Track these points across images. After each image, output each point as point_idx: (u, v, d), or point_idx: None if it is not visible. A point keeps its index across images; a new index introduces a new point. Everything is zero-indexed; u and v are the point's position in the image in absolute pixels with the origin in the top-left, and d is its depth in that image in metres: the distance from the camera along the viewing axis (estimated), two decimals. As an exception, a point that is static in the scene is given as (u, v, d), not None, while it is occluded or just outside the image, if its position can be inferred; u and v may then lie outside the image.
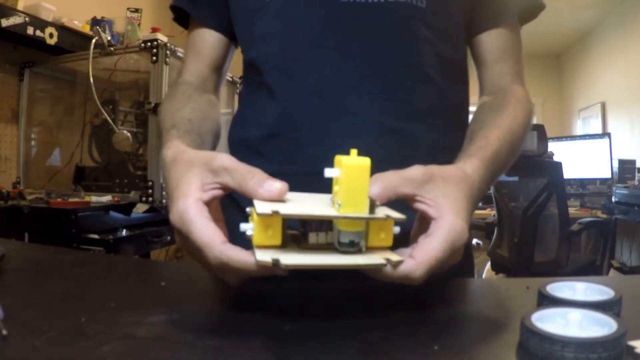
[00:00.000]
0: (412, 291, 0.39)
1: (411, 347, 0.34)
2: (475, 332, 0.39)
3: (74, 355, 0.31)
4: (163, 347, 0.33)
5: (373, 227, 0.38)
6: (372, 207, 0.37)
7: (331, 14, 0.60)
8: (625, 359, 0.30)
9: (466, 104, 0.70)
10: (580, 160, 3.51)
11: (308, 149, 0.61)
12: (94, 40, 1.86)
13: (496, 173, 0.54)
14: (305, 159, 0.61)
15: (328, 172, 0.37)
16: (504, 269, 2.57)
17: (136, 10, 2.27)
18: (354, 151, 0.37)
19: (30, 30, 1.83)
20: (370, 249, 0.38)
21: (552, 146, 3.42)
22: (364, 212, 0.36)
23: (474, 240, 3.21)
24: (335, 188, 0.38)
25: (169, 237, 1.89)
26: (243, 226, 0.37)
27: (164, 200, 1.81)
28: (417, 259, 0.38)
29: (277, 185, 0.38)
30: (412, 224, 0.45)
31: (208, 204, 0.41)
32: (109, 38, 1.89)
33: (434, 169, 0.43)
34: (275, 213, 0.34)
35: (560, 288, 0.41)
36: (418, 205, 0.42)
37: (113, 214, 1.74)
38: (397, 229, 0.39)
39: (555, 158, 3.02)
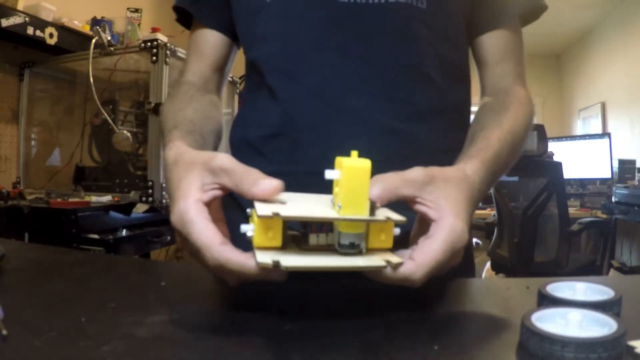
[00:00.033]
0: (412, 291, 0.39)
1: (411, 347, 0.34)
2: (475, 332, 0.39)
3: (74, 355, 0.31)
4: (163, 347, 0.33)
5: (373, 228, 0.38)
6: (373, 208, 0.37)
7: (331, 15, 0.60)
8: (625, 359, 0.30)
9: (467, 104, 0.70)
10: (580, 160, 3.51)
11: (308, 149, 0.61)
12: (94, 40, 1.86)
13: (497, 174, 0.54)
14: (305, 159, 0.61)
15: (328, 174, 0.37)
16: (504, 269, 2.57)
17: (136, 10, 2.27)
18: (354, 153, 0.37)
19: (30, 30, 1.83)
20: (370, 251, 0.38)
21: (552, 146, 3.42)
22: (365, 214, 0.36)
23: (474, 240, 3.21)
24: (336, 190, 0.38)
25: (169, 237, 1.89)
26: (243, 227, 0.37)
27: (164, 200, 1.81)
28: (417, 261, 0.38)
29: (271, 183, 0.38)
30: (412, 225, 0.45)
31: (208, 204, 0.41)
32: (109, 38, 1.89)
33: (435, 170, 0.43)
34: (276, 215, 0.34)
35: (560, 288, 0.41)
36: (418, 207, 0.42)
37: (113, 214, 1.74)
38: (397, 231, 0.39)
39: (555, 158, 3.02)
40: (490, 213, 2.97)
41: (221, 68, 0.74)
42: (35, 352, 0.31)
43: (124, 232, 1.76)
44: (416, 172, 0.42)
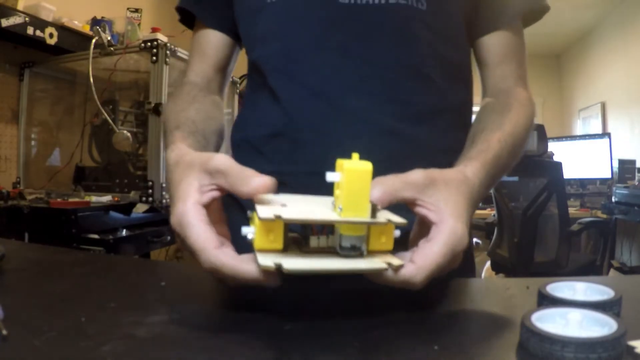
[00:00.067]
0: (412, 291, 0.39)
1: (411, 347, 0.34)
2: (475, 332, 0.39)
3: (74, 355, 0.31)
4: (163, 347, 0.33)
5: (374, 231, 0.38)
6: (374, 211, 0.37)
7: (331, 15, 0.60)
8: (625, 359, 0.30)
9: (468, 104, 0.70)
10: (580, 160, 3.51)
11: (308, 149, 0.61)
12: (94, 40, 1.86)
13: (496, 176, 0.54)
14: (305, 159, 0.61)
15: (330, 177, 0.37)
16: (504, 269, 2.57)
17: (136, 10, 2.27)
18: (355, 155, 0.37)
19: (30, 30, 1.83)
20: (371, 253, 0.38)
21: (552, 146, 3.42)
22: (366, 217, 0.36)
23: (474, 240, 3.21)
24: (337, 192, 0.38)
25: (169, 237, 1.89)
26: (244, 230, 0.37)
27: (164, 200, 1.81)
28: (418, 264, 0.38)
29: (261, 180, 0.38)
30: (412, 226, 0.45)
31: (207, 206, 0.41)
32: (109, 38, 1.89)
33: (435, 172, 0.43)
34: (278, 217, 0.34)
35: (560, 288, 0.41)
36: (419, 210, 0.42)
37: (113, 214, 1.74)
38: (397, 233, 0.39)
39: (555, 158, 3.02)
40: (490, 213, 2.97)
41: (224, 68, 0.74)
42: (35, 352, 0.31)
43: (124, 232, 1.76)
44: (417, 175, 0.42)
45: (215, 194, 0.42)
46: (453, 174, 0.46)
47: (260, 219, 0.35)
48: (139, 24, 2.24)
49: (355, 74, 0.60)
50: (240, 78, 2.50)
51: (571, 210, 2.59)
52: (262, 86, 0.65)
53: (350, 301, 0.46)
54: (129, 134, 1.80)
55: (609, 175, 3.37)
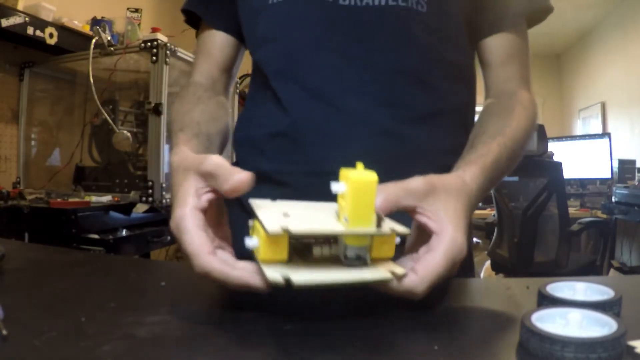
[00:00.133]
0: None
1: (411, 347, 0.34)
2: (475, 332, 0.39)
3: (74, 355, 0.31)
4: (163, 347, 0.33)
5: (377, 240, 0.38)
6: (379, 221, 0.37)
7: (332, 16, 0.60)
8: (625, 359, 0.30)
9: (470, 105, 0.70)
10: (580, 160, 3.51)
11: (309, 150, 0.61)
12: (94, 40, 1.86)
13: (495, 180, 0.54)
14: (305, 160, 0.61)
15: (335, 187, 0.37)
16: (504, 269, 2.57)
17: (136, 10, 2.27)
18: (360, 164, 0.37)
19: (30, 30, 1.83)
20: (373, 260, 0.38)
21: (552, 146, 3.42)
22: (371, 227, 0.37)
23: (474, 239, 3.21)
24: (342, 203, 0.38)
25: (169, 237, 1.89)
26: (248, 243, 0.37)
27: (164, 200, 1.81)
28: (420, 274, 0.38)
29: (238, 178, 0.39)
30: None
31: (205, 209, 0.42)
32: (109, 38, 1.89)
33: (435, 179, 0.44)
34: (286, 231, 0.34)
35: (560, 288, 0.41)
36: (419, 217, 0.42)
37: (113, 214, 1.74)
38: (398, 240, 0.39)
39: (555, 158, 3.02)
40: (490, 213, 2.97)
41: (229, 69, 0.75)
42: (35, 352, 0.31)
43: (124, 232, 1.76)
44: (417, 182, 0.42)
45: (211, 196, 0.43)
46: (452, 180, 0.46)
47: (268, 233, 0.34)
48: (139, 24, 2.24)
49: (355, 75, 0.60)
50: (240, 78, 2.51)
51: (571, 210, 2.59)
52: (264, 86, 0.66)
53: (350, 301, 0.46)
54: (129, 134, 1.80)
55: (609, 175, 3.37)
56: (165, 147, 1.82)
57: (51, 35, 1.92)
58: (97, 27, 1.89)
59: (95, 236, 1.62)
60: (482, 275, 2.92)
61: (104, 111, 1.80)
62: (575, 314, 0.33)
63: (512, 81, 0.66)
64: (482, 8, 0.65)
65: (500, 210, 2.59)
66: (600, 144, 3.48)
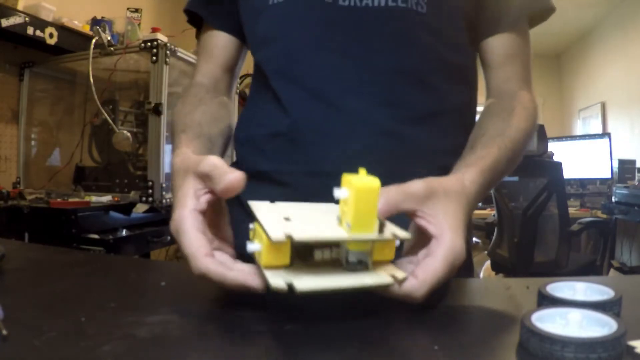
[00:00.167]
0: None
1: (411, 347, 0.34)
2: (475, 332, 0.39)
3: (74, 355, 0.31)
4: (163, 347, 0.33)
5: (378, 244, 0.38)
6: (381, 227, 0.37)
7: (331, 17, 0.60)
8: (625, 359, 0.30)
9: (471, 105, 0.70)
10: (580, 160, 3.51)
11: (308, 150, 0.61)
12: (94, 40, 1.86)
13: (494, 182, 0.54)
14: (305, 159, 0.61)
15: (337, 193, 0.37)
16: (504, 269, 2.57)
17: (136, 10, 2.27)
18: (362, 170, 0.37)
19: (30, 30, 1.83)
20: (374, 263, 0.39)
21: (552, 146, 3.42)
22: (373, 232, 0.37)
23: (474, 239, 3.21)
24: (344, 208, 0.38)
25: (169, 237, 1.89)
26: (250, 248, 0.38)
27: (164, 200, 1.81)
28: (420, 279, 0.38)
29: (229, 178, 0.40)
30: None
31: (204, 210, 0.42)
32: (109, 38, 1.89)
33: (435, 183, 0.44)
34: (290, 238, 0.34)
35: (560, 288, 0.41)
36: (419, 221, 0.42)
37: (113, 214, 1.74)
38: (398, 243, 0.40)
39: (555, 158, 3.02)
40: (490, 213, 2.97)
41: (231, 69, 0.75)
42: (35, 352, 0.31)
43: (124, 232, 1.76)
44: (417, 185, 0.42)
45: (209, 197, 0.43)
46: (452, 183, 0.46)
47: (272, 241, 0.35)
48: (139, 24, 2.24)
49: (354, 76, 0.60)
50: (240, 78, 2.50)
51: (571, 210, 2.59)
52: (264, 86, 0.66)
53: (350, 301, 0.46)
54: (129, 134, 1.80)
55: (609, 175, 3.37)
56: (165, 147, 1.82)
57: (51, 35, 1.92)
58: (97, 27, 1.89)
59: (95, 236, 1.62)
60: (481, 275, 2.92)
61: (104, 111, 1.80)
62: (575, 314, 0.33)
63: (513, 81, 0.66)
64: (482, 8, 0.65)
65: (500, 210, 2.59)
66: (600, 144, 3.48)
